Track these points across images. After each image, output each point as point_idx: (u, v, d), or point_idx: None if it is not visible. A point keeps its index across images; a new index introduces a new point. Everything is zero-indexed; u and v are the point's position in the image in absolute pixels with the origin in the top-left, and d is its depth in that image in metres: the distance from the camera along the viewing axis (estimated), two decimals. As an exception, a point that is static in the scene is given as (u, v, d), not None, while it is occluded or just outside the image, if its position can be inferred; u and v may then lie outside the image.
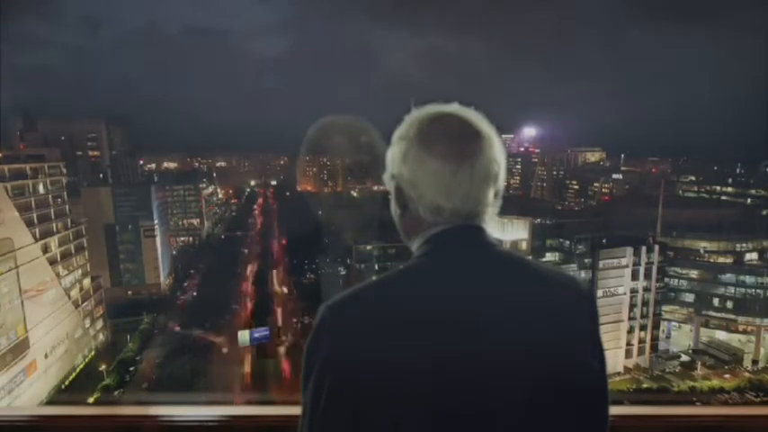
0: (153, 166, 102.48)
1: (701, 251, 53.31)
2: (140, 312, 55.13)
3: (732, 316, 49.34)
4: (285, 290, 61.42)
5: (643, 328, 48.56)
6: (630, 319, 48.11)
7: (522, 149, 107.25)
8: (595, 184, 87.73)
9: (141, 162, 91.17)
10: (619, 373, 44.95)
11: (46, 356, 41.41)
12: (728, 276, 50.41)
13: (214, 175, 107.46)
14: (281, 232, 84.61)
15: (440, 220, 1.08)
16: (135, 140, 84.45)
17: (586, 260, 47.82)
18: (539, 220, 55.53)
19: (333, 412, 0.98)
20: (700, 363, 45.58)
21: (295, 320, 52.16)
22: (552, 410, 1.01)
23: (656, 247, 49.82)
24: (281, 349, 45.95)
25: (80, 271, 50.56)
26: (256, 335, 46.13)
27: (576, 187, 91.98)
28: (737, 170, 76.21)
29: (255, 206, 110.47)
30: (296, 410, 1.15)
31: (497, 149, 1.10)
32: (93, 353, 48.34)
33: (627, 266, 48.28)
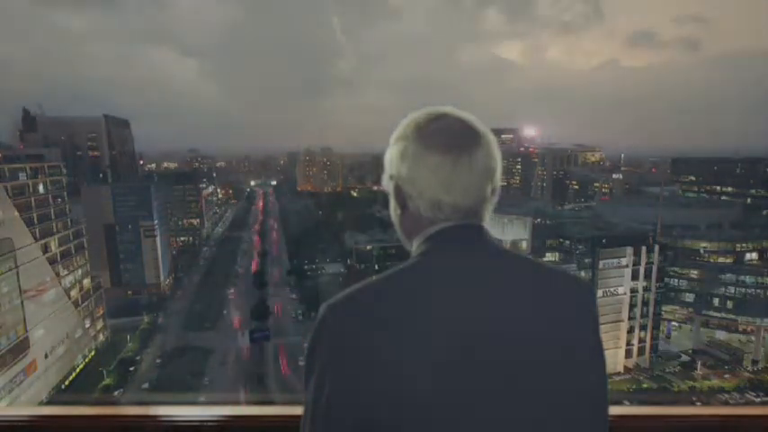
0: (153, 166, 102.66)
1: (701, 251, 53.33)
2: (140, 312, 55.16)
3: (732, 316, 49.36)
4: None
5: (643, 328, 48.57)
6: (630, 319, 48.11)
7: (522, 149, 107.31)
8: (595, 184, 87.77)
9: (141, 162, 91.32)
10: (619, 373, 44.97)
11: (46, 356, 41.43)
12: (728, 276, 50.42)
13: (214, 175, 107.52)
14: (281, 232, 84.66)
15: (440, 216, 1.08)
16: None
17: (586, 260, 47.83)
18: (539, 219, 55.59)
19: (334, 412, 0.97)
20: (700, 363, 45.58)
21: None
22: (552, 410, 1.01)
23: (656, 247, 49.83)
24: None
25: (80, 271, 50.56)
26: (257, 335, 46.20)
27: (576, 187, 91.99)
28: (737, 170, 76.19)
29: (255, 206, 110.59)
30: (296, 410, 1.15)
31: (494, 147, 1.11)
32: (93, 353, 48.35)
33: (627, 266, 48.29)
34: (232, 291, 61.96)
